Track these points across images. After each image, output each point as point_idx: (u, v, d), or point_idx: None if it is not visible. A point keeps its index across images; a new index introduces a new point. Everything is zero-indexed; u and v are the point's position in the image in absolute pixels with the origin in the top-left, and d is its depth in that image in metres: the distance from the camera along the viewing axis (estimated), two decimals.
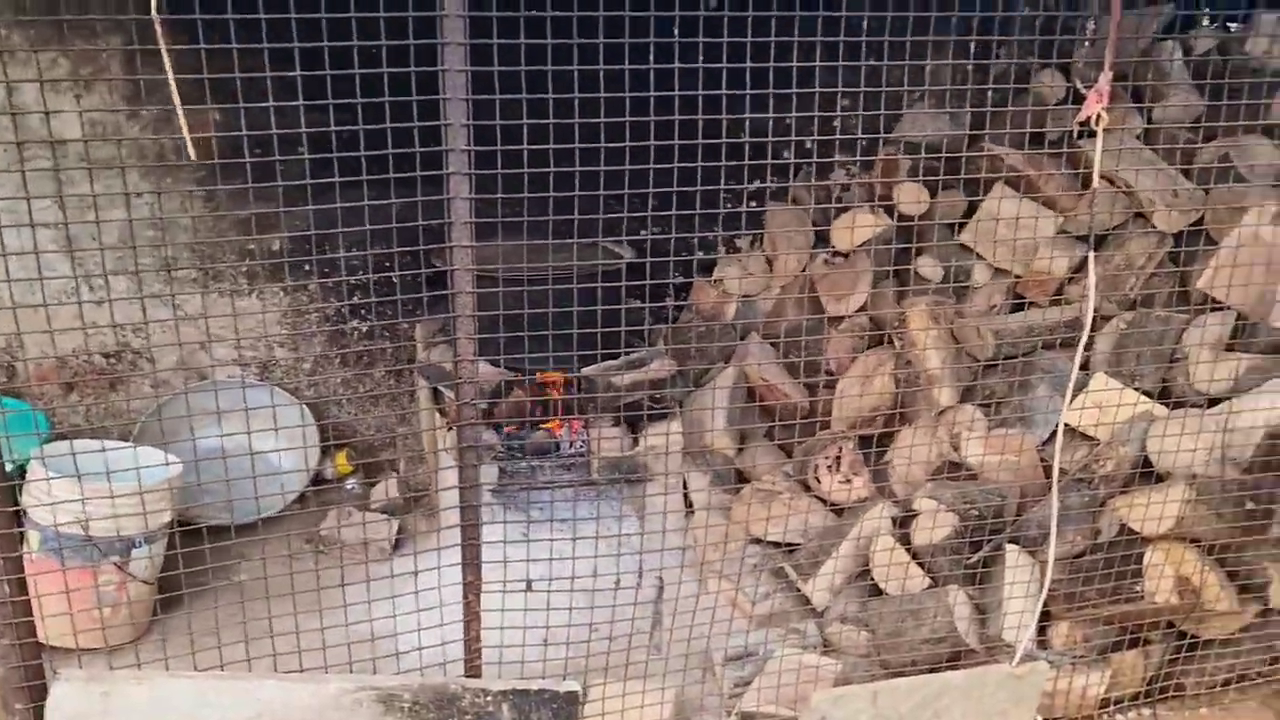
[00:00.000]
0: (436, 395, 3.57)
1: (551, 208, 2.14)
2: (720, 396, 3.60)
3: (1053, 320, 3.12)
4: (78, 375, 3.78)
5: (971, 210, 3.37)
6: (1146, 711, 2.91)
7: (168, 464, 3.00)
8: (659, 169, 2.16)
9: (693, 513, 3.51)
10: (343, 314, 4.04)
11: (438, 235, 2.15)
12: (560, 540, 2.59)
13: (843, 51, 2.22)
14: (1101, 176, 2.90)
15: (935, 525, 2.86)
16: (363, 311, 4.02)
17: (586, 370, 3.35)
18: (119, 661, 2.60)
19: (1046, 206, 3.21)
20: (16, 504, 2.12)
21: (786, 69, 2.17)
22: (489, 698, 2.07)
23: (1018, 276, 3.28)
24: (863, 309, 3.55)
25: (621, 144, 2.09)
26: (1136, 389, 2.90)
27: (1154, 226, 3.07)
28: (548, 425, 3.53)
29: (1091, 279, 2.58)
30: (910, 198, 3.46)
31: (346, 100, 1.96)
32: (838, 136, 3.24)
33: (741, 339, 3.86)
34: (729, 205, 4.14)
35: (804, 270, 3.76)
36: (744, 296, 3.94)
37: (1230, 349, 2.94)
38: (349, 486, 3.96)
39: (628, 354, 3.47)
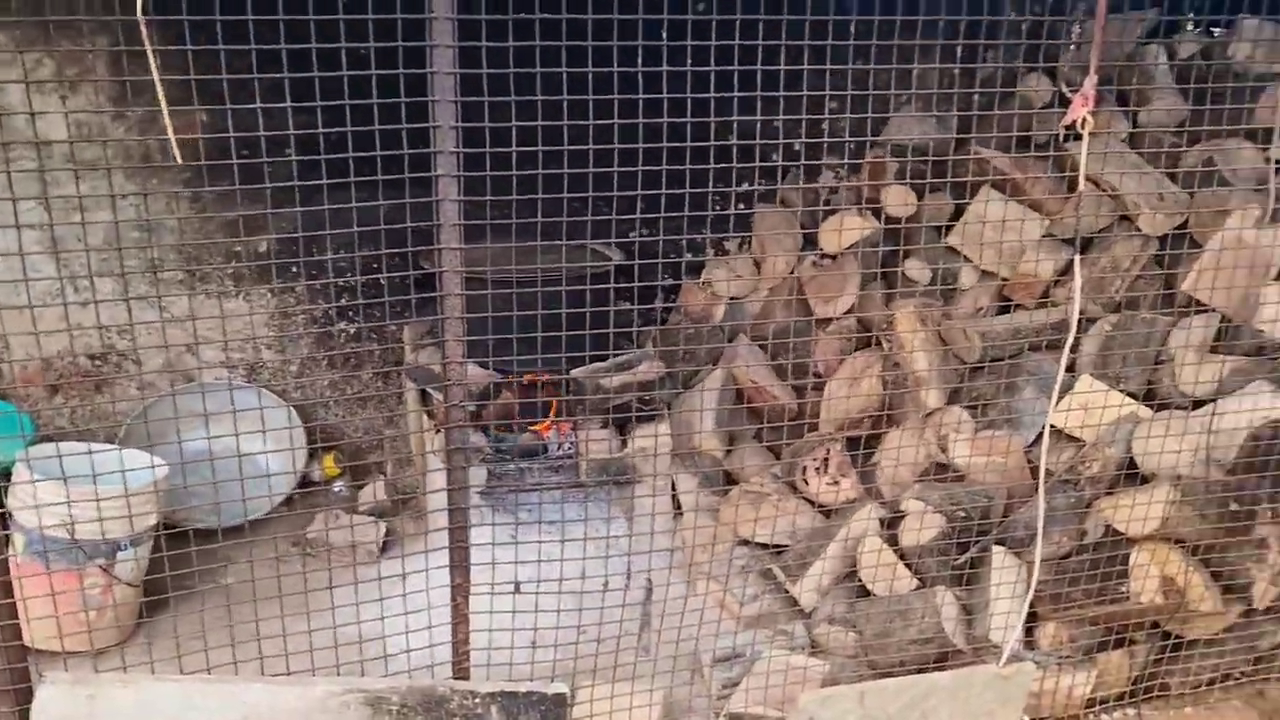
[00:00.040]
0: (424, 397, 3.56)
1: (540, 210, 2.14)
2: (709, 398, 3.60)
3: (1039, 322, 3.14)
4: (63, 377, 3.76)
5: (959, 213, 3.39)
6: (1132, 711, 2.93)
7: (154, 466, 2.98)
8: (647, 171, 2.17)
9: (681, 514, 3.51)
10: (330, 316, 4.03)
11: (426, 237, 2.15)
12: (549, 542, 2.59)
13: (830, 54, 2.23)
14: (1087, 179, 2.92)
15: (923, 526, 2.87)
16: (350, 313, 4.01)
17: (575, 372, 3.35)
18: (104, 664, 2.58)
19: (1033, 209, 3.23)
20: (1, 507, 2.11)
21: (775, 72, 2.18)
22: (477, 700, 2.07)
23: (1004, 279, 3.30)
24: (851, 311, 3.56)
25: (610, 146, 2.09)
26: (1122, 391, 2.92)
27: (1139, 229, 3.09)
28: (536, 427, 3.53)
29: (1077, 281, 2.60)
30: (898, 200, 3.47)
31: (334, 102, 1.96)
32: (826, 139, 3.24)
33: (730, 341, 3.87)
34: (717, 207, 4.14)
35: (792, 272, 3.77)
36: (732, 298, 3.94)
37: (1214, 351, 2.96)
38: (336, 489, 3.95)
39: (616, 356, 3.47)
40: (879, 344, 3.39)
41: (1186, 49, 3.41)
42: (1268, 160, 3.03)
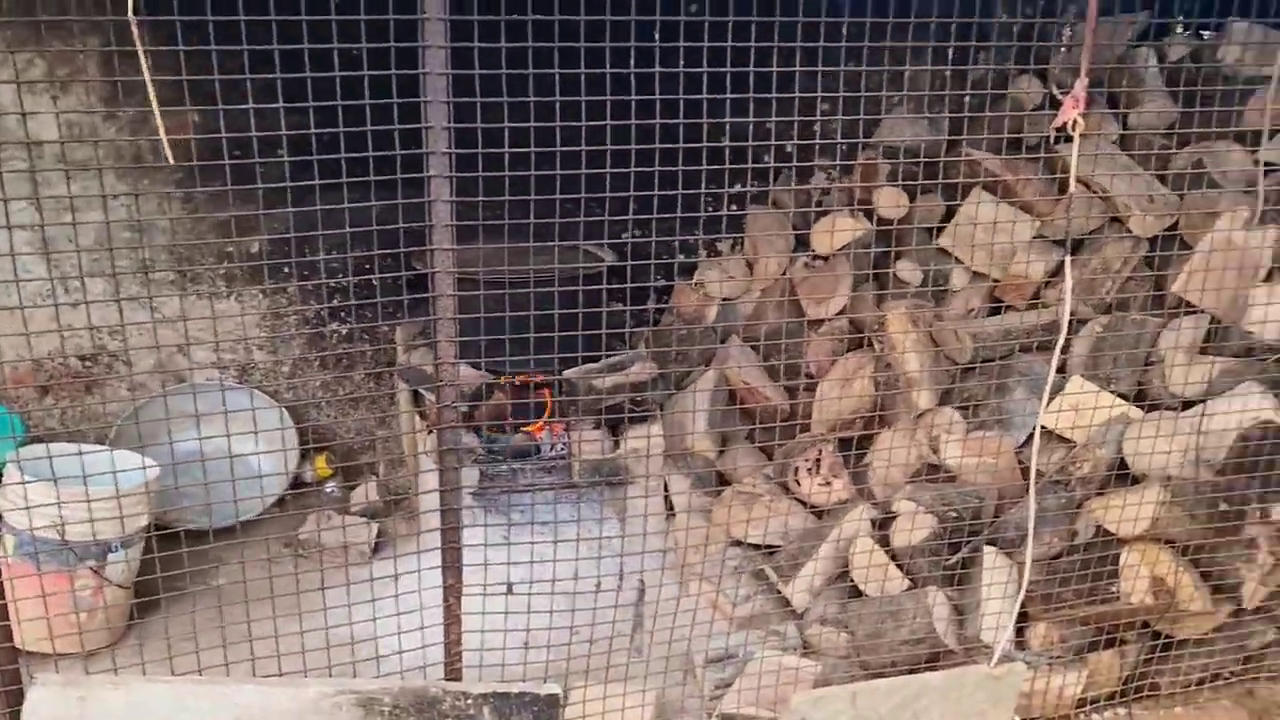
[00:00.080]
0: (417, 398, 3.56)
1: (532, 211, 2.14)
2: (701, 399, 3.60)
3: (1030, 323, 3.15)
4: (53, 378, 3.75)
5: (950, 214, 3.40)
6: (1122, 711, 2.94)
7: (145, 467, 2.98)
8: (640, 172, 2.17)
9: (673, 515, 3.51)
10: (323, 316, 4.02)
11: (418, 238, 2.15)
12: (541, 543, 2.58)
13: (822, 56, 2.23)
14: (1078, 181, 2.93)
15: (914, 527, 2.88)
16: (343, 314, 4.01)
17: (568, 373, 3.35)
18: (95, 666, 2.58)
19: (1024, 211, 3.24)
20: None
21: (767, 73, 2.18)
22: (469, 701, 2.07)
23: (996, 280, 3.31)
24: (842, 312, 3.57)
25: (602, 147, 2.10)
26: (1113, 392, 2.93)
27: (1129, 231, 3.10)
28: (529, 428, 3.53)
29: (1068, 283, 2.61)
30: (889, 202, 3.48)
31: (327, 103, 1.95)
32: (818, 141, 3.25)
33: (722, 342, 3.87)
34: (710, 208, 4.15)
35: (784, 273, 3.78)
36: (725, 299, 3.95)
37: (1204, 352, 2.97)
38: (328, 490, 3.94)
39: (609, 357, 3.47)
40: (871, 345, 3.40)
41: (1176, 52, 3.43)
42: (1256, 162, 3.04)
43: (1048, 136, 2.98)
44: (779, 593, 3.11)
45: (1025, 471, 2.89)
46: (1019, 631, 2.85)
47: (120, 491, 2.37)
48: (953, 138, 3.59)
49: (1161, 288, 3.11)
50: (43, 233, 3.15)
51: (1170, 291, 3.03)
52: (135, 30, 1.80)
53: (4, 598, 2.02)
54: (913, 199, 3.48)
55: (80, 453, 2.16)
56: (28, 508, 2.64)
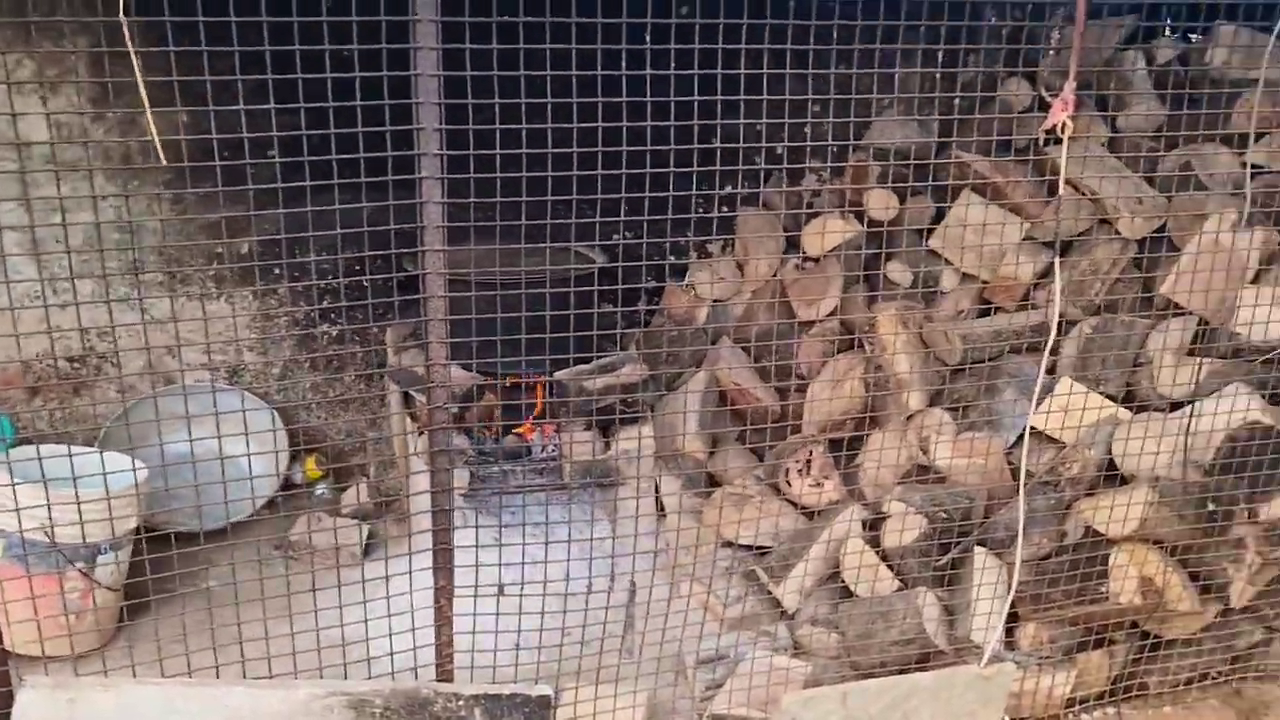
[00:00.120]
0: (408, 400, 3.55)
1: (524, 212, 2.14)
2: (692, 400, 3.61)
3: (1020, 325, 3.16)
4: (41, 380, 3.73)
5: (940, 216, 3.41)
6: (1111, 710, 2.95)
7: (134, 469, 2.97)
8: (631, 174, 2.18)
9: (664, 516, 3.51)
10: (313, 318, 4.01)
11: (409, 239, 2.15)
12: (532, 544, 2.58)
13: (813, 58, 2.24)
14: (1067, 183, 2.94)
15: (904, 528, 2.89)
16: (333, 315, 4.00)
17: (559, 374, 3.35)
18: (85, 668, 2.57)
19: (1013, 213, 3.25)
20: None
21: (758, 75, 2.19)
22: (461, 702, 2.07)
23: (985, 282, 3.32)
24: (833, 314, 3.58)
25: (594, 149, 2.10)
26: (1102, 393, 2.94)
27: (1118, 233, 3.12)
28: (519, 429, 3.53)
29: (1057, 284, 2.62)
30: (880, 204, 3.49)
31: (318, 104, 1.95)
32: (808, 143, 3.26)
33: (713, 343, 3.88)
34: (700, 210, 4.15)
35: (775, 275, 3.79)
36: (715, 301, 3.95)
37: (1192, 354, 2.99)
38: (319, 492, 3.93)
39: (600, 358, 3.47)
40: (861, 346, 3.41)
41: (1164, 55, 3.45)
42: (1244, 165, 3.06)
43: (1037, 139, 3.00)
44: (770, 593, 3.12)
45: (1015, 472, 2.90)
46: (1009, 632, 2.86)
47: (110, 493, 2.36)
48: (942, 140, 3.61)
49: (1150, 289, 3.12)
50: (32, 234, 3.14)
51: (1159, 293, 3.05)
52: (126, 31, 1.80)
53: None
54: (903, 201, 3.50)
55: (69, 454, 2.15)
56: (17, 510, 2.62)
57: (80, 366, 3.78)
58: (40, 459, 2.13)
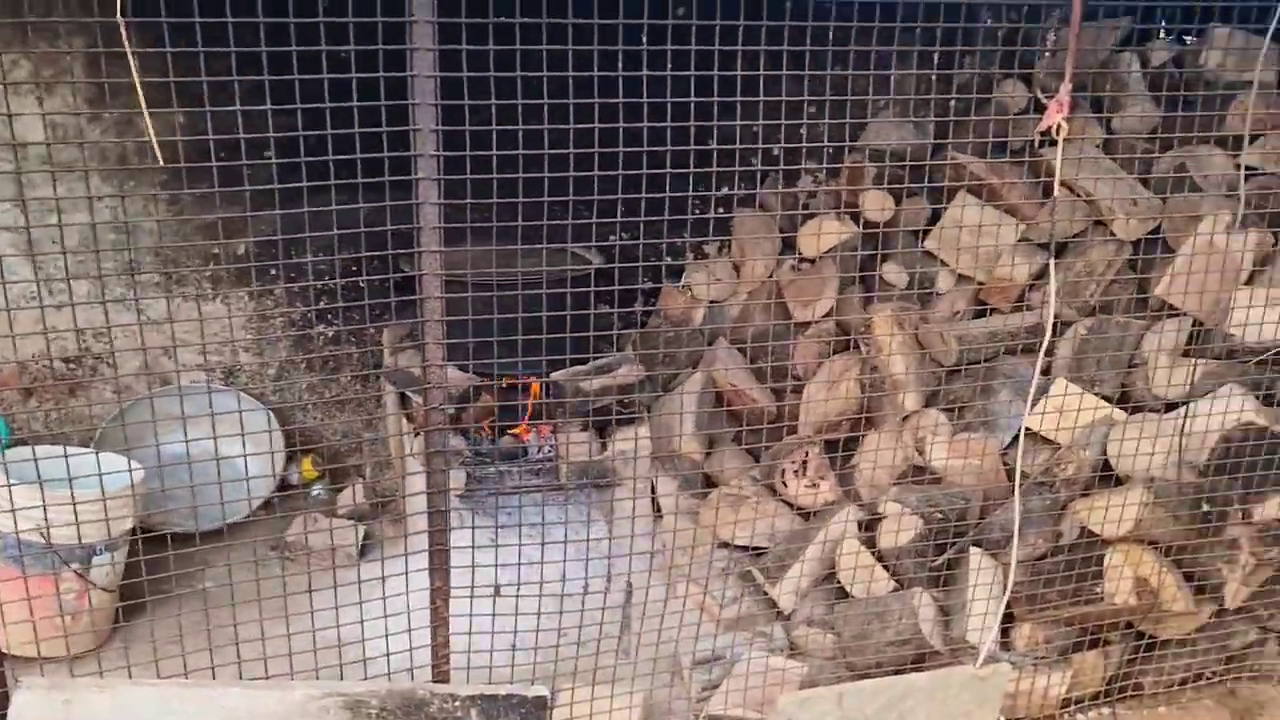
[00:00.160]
0: (404, 400, 3.55)
1: (520, 213, 2.15)
2: (688, 401, 3.61)
3: (1015, 326, 3.17)
4: (37, 380, 3.73)
5: (936, 217, 3.42)
6: (1106, 711, 2.96)
7: (130, 470, 2.96)
8: (628, 175, 2.18)
9: (661, 517, 3.52)
10: (309, 319, 4.01)
11: (406, 240, 2.15)
12: (528, 545, 2.58)
13: (809, 60, 2.25)
14: (1062, 185, 2.95)
15: (900, 528, 2.89)
16: (330, 316, 4.00)
17: (555, 375, 3.35)
18: (81, 669, 2.57)
19: (1009, 214, 3.26)
20: None
21: (754, 76, 2.19)
22: (457, 703, 2.07)
23: (981, 283, 3.33)
24: (829, 314, 3.58)
25: (590, 150, 2.10)
26: (1097, 394, 2.95)
27: (1113, 234, 3.12)
28: (515, 430, 3.53)
29: (1053, 286, 2.63)
30: (876, 205, 3.50)
31: (314, 105, 1.95)
32: (804, 144, 3.26)
33: (709, 344, 3.88)
34: (697, 211, 4.16)
35: (771, 276, 3.79)
36: (712, 302, 3.96)
37: (1186, 355, 3.00)
38: (315, 492, 3.93)
39: (596, 359, 3.48)
40: (857, 347, 3.41)
41: (1159, 57, 3.45)
42: (1238, 166, 3.07)
43: (1032, 140, 3.00)
44: (766, 594, 3.12)
45: (1010, 473, 2.91)
46: (1004, 632, 2.87)
47: (105, 494, 2.36)
48: (938, 141, 3.61)
49: (1145, 290, 3.13)
50: (28, 234, 3.13)
51: (1153, 294, 3.05)
52: (124, 31, 1.80)
53: None
54: (899, 202, 3.50)
55: (65, 455, 2.15)
56: (12, 510, 2.62)
57: (76, 367, 3.78)
58: (36, 460, 2.13)
